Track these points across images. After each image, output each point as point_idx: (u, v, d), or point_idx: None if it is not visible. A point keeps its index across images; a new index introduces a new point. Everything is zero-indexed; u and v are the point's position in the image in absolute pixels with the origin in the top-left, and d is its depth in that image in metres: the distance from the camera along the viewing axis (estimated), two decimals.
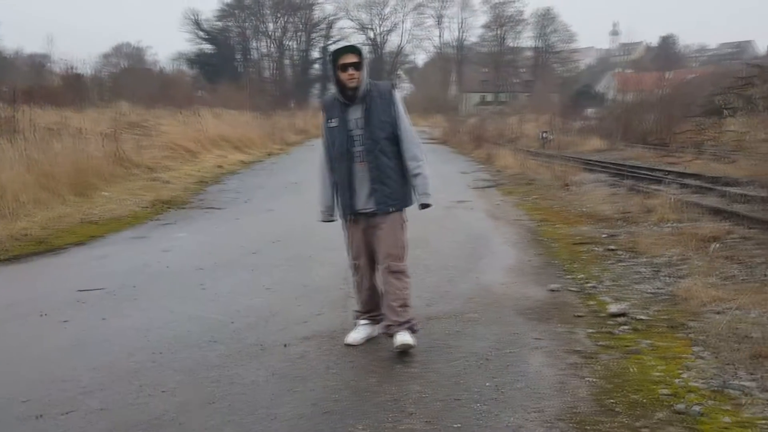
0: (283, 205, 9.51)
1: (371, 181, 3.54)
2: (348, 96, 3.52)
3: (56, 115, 12.62)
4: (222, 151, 18.24)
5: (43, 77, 28.16)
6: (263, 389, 3.13)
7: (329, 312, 4.39)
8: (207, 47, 66.08)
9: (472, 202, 9.71)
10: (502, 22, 70.62)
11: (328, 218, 3.85)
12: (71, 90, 21.59)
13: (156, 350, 3.65)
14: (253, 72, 69.84)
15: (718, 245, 5.72)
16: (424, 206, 3.65)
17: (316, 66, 76.44)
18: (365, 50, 3.55)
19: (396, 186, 3.59)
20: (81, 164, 9.75)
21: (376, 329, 3.81)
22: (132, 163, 12.06)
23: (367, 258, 3.71)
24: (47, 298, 4.81)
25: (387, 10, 75.08)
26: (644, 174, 12.12)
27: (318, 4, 73.32)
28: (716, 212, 7.26)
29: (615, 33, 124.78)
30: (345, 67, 3.46)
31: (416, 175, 3.59)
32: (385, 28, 76.06)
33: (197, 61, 62.92)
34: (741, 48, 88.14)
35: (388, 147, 3.55)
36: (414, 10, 74.38)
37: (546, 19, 70.73)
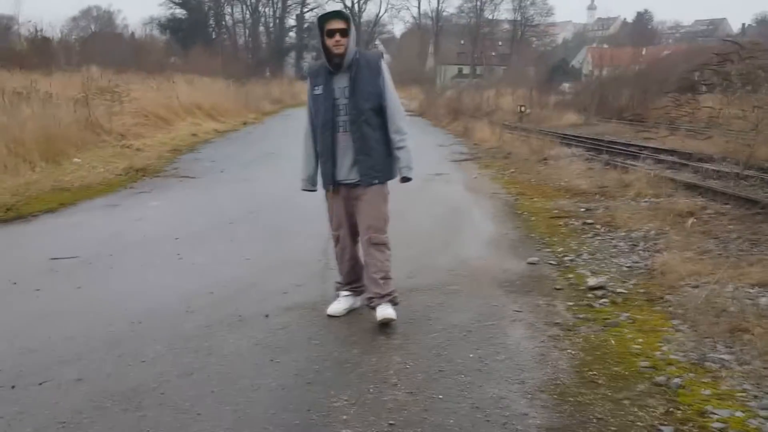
0: (260, 175, 9.38)
1: (355, 152, 3.47)
2: (334, 64, 3.43)
3: (24, 79, 12.18)
4: (196, 119, 17.90)
5: (9, 40, 27.15)
6: (245, 360, 3.09)
7: (310, 283, 4.35)
8: (179, 12, 64.42)
9: (449, 175, 9.69)
10: None
11: (309, 188, 3.78)
12: (39, 53, 20.91)
13: (134, 320, 3.58)
14: (227, 39, 68.51)
15: (694, 220, 5.78)
16: (406, 180, 3.58)
17: (292, 34, 75.23)
18: (352, 17, 3.44)
19: (380, 158, 3.52)
20: (51, 130, 9.48)
21: (358, 300, 3.79)
22: (103, 129, 11.77)
23: (348, 229, 3.66)
24: (18, 267, 4.68)
25: None
26: (620, 149, 12.22)
27: None
28: (691, 188, 7.35)
29: (592, 8, 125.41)
30: (331, 33, 3.37)
31: (400, 148, 3.53)
32: None
33: (169, 26, 61.34)
34: (714, 25, 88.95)
35: (373, 118, 3.48)
36: None
37: None
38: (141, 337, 3.35)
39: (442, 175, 9.66)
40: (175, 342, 3.29)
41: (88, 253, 5.00)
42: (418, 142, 15.37)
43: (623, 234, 5.72)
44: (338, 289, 3.82)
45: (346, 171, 3.51)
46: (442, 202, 7.45)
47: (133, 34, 46.45)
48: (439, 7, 72.63)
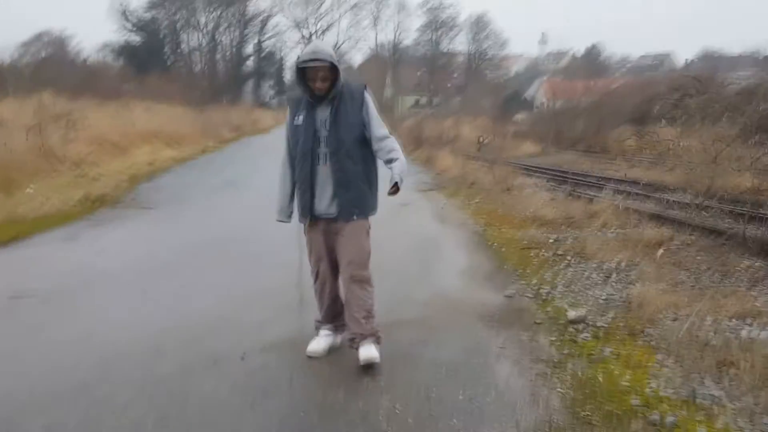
0: (223, 204, 9.17)
1: (335, 185, 3.35)
2: (317, 97, 3.35)
3: None
4: (153, 146, 17.50)
5: None
6: (223, 405, 2.92)
7: (285, 317, 4.19)
8: (135, 38, 63.68)
9: (417, 204, 9.65)
10: (437, 25, 71.53)
11: (284, 219, 3.62)
12: None
13: (101, 363, 3.36)
14: (184, 66, 67.88)
15: (663, 251, 5.85)
16: (395, 191, 3.32)
17: (250, 62, 75.13)
18: (336, 57, 3.27)
19: (360, 192, 3.41)
20: (2, 158, 9.08)
21: (339, 338, 3.65)
22: (57, 158, 11.35)
23: (328, 264, 3.52)
24: None
25: (323, 8, 74.61)
26: (581, 180, 12.44)
27: None
28: (656, 218, 7.48)
29: (543, 42, 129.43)
30: (314, 78, 3.28)
31: (394, 159, 3.37)
32: (321, 27, 75.63)
33: (124, 52, 60.50)
34: (660, 60, 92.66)
35: (356, 150, 3.37)
36: (350, 10, 74.27)
37: (479, 25, 72.11)
38: (111, 381, 3.14)
39: (409, 204, 9.61)
40: (147, 385, 3.09)
41: (49, 289, 4.74)
42: (382, 172, 15.35)
43: (595, 265, 5.74)
44: (318, 327, 3.68)
45: (325, 204, 3.39)
46: (413, 232, 7.40)
47: (86, 59, 45.46)
48: (397, 39, 73.81)
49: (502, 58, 77.28)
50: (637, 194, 9.90)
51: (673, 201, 8.09)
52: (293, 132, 3.45)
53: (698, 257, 5.79)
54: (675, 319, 4.08)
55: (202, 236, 6.80)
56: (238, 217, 8.01)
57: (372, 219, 3.57)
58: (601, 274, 5.43)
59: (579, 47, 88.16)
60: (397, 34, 73.52)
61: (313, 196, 3.38)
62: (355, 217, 3.39)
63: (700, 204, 7.91)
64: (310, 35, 74.97)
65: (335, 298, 3.60)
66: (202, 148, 20.55)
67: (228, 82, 67.49)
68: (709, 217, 7.55)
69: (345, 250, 3.43)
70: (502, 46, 74.34)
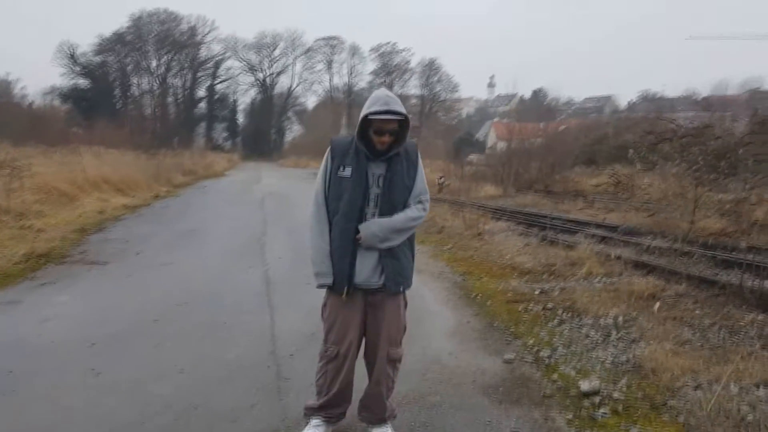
0: (182, 257, 8.54)
1: (382, 251, 2.91)
2: (375, 151, 2.94)
3: None
4: (103, 194, 16.65)
5: None
6: None
7: (263, 400, 3.66)
8: (83, 82, 62.50)
9: None
10: (389, 69, 72.62)
11: (327, 282, 2.97)
12: None
13: None
14: (134, 109, 66.85)
15: (658, 304, 5.55)
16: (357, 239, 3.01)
17: (202, 105, 74.45)
18: (410, 116, 2.91)
19: (407, 261, 3.02)
20: None
21: (331, 429, 3.15)
22: (0, 208, 10.53)
23: (355, 343, 3.03)
24: None
25: (277, 52, 74.96)
26: (550, 223, 12.26)
27: (205, 43, 71.85)
28: (642, 266, 7.21)
29: (492, 85, 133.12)
30: (381, 132, 2.88)
31: (417, 218, 3.00)
32: (275, 70, 75.78)
33: (72, 96, 59.26)
34: (603, 102, 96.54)
35: None
36: (304, 54, 74.79)
37: (431, 69, 73.60)
38: None
39: None
40: None
41: None
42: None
43: (590, 321, 5.39)
44: (308, 415, 3.17)
45: (368, 273, 2.92)
46: None
47: (32, 104, 44.11)
48: (351, 82, 74.51)
49: (454, 101, 78.94)
50: (612, 239, 9.72)
51: (654, 246, 7.88)
52: (336, 184, 2.95)
53: (696, 311, 5.50)
54: (697, 387, 3.73)
55: (161, 298, 6.19)
56: (200, 272, 7.42)
57: None
58: (599, 332, 5.08)
59: (526, 90, 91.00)
60: (351, 77, 74.36)
61: (353, 261, 2.91)
62: (402, 289, 3.00)
63: (681, 249, 7.74)
64: (264, 78, 74.96)
65: (349, 383, 3.11)
66: (155, 194, 19.74)
67: (180, 125, 66.65)
68: (693, 263, 7.35)
69: (384, 326, 3.00)
70: (454, 89, 76.01)
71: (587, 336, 5.01)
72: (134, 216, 13.99)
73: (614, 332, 5.02)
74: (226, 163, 44.96)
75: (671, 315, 5.34)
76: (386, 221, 2.86)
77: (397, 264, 2.93)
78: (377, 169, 2.92)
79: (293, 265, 7.85)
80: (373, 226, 2.85)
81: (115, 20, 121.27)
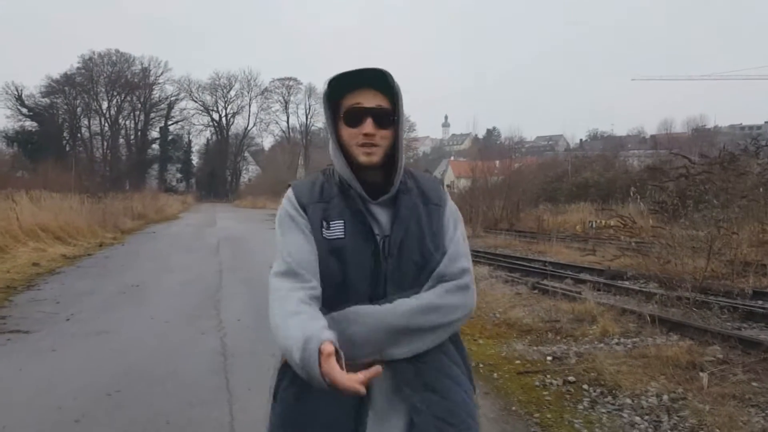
0: (121, 322, 7.22)
1: (411, 386, 1.55)
2: (369, 183, 1.64)
3: None
4: (40, 243, 15.10)
5: None
6: None
7: None
8: (30, 124, 60.34)
9: None
10: None
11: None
12: None
13: None
14: (83, 151, 64.72)
15: (706, 378, 4.57)
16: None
17: (155, 146, 72.66)
18: (398, 86, 1.63)
19: (459, 392, 1.62)
20: None
21: None
22: None
23: None
24: None
25: (232, 93, 74.07)
26: (533, 267, 11.35)
27: (158, 84, 70.51)
28: (661, 322, 6.24)
29: (446, 125, 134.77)
30: (357, 117, 1.62)
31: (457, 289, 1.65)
32: (231, 111, 74.69)
33: (18, 139, 56.98)
34: (554, 140, 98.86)
35: None
36: (261, 95, 74.05)
37: None
38: None
39: None
40: None
41: None
42: None
43: (629, 400, 4.36)
44: None
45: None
46: None
47: None
48: (308, 122, 73.91)
49: (411, 140, 79.03)
50: (607, 285, 8.81)
51: (673, 297, 6.96)
52: (330, 252, 1.58)
53: (754, 384, 4.54)
54: None
55: (88, 385, 4.90)
56: (140, 343, 6.17)
57: None
58: (645, 418, 4.06)
59: (479, 130, 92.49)
60: (309, 117, 73.76)
61: (364, 411, 1.52)
62: None
63: (695, 299, 6.86)
64: (219, 118, 73.66)
65: None
66: (100, 241, 18.18)
67: (132, 167, 64.70)
68: (714, 316, 6.47)
69: None
70: (410, 129, 76.13)
71: (632, 424, 3.97)
72: (73, 268, 12.50)
73: (665, 417, 4.00)
74: (179, 205, 43.33)
75: (725, 391, 4.36)
76: (386, 310, 1.52)
77: (439, 405, 1.56)
78: (381, 217, 1.63)
79: (255, 328, 6.65)
80: (362, 320, 1.51)
81: (64, 61, 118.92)
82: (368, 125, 1.59)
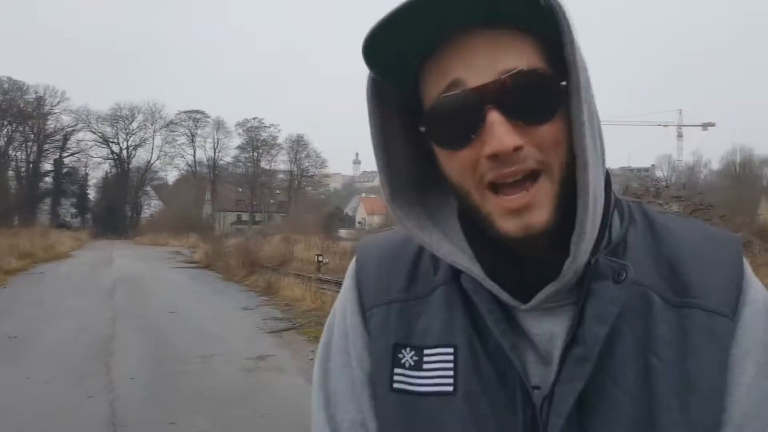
0: None
1: None
2: (514, 262, 0.67)
3: None
4: None
5: None
6: None
7: None
8: None
9: (277, 358, 7.31)
10: (256, 144, 71.08)
11: None
12: None
13: None
14: None
15: None
16: None
17: (48, 179, 68.26)
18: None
19: None
20: None
21: None
22: None
23: None
24: None
25: (135, 124, 71.03)
26: None
27: (54, 114, 66.51)
28: None
29: (357, 162, 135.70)
30: (458, 120, 0.63)
31: None
32: (132, 143, 71.48)
33: None
34: None
35: None
36: (165, 127, 71.45)
37: (299, 145, 73.20)
38: None
39: (267, 357, 7.27)
40: None
41: None
42: (217, 307, 12.70)
43: None
44: None
45: None
46: (291, 414, 5.05)
47: None
48: (216, 156, 71.91)
49: (323, 176, 78.65)
50: None
51: None
52: (395, 417, 0.71)
53: None
54: None
55: None
56: (12, 415, 5.12)
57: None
58: None
59: None
60: (217, 151, 71.73)
61: None
62: None
63: None
64: (120, 150, 70.30)
65: None
66: None
67: (21, 201, 60.22)
68: None
69: None
70: (322, 165, 75.82)
71: None
72: None
73: None
74: (72, 242, 40.31)
75: None
76: None
77: None
78: (544, 343, 0.68)
79: (152, 389, 5.74)
80: None
81: None
82: (495, 130, 0.61)
